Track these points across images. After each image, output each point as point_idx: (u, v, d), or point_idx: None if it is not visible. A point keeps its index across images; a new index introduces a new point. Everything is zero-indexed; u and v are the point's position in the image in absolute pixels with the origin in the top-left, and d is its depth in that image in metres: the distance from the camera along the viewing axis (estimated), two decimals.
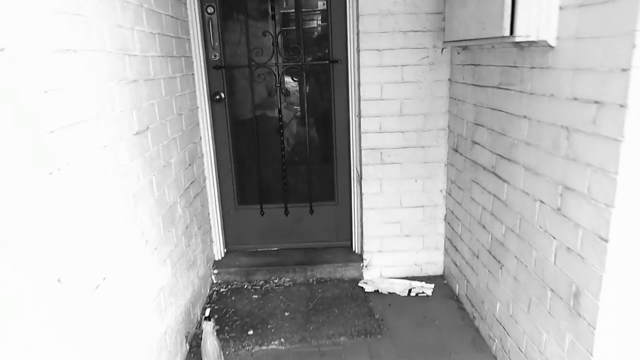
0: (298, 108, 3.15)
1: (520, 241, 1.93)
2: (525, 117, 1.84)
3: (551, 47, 1.61)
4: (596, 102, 1.39)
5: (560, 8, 1.55)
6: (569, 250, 1.57)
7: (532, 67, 1.76)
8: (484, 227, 2.31)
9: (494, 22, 1.69)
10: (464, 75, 2.49)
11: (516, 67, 1.89)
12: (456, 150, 2.69)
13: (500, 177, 2.10)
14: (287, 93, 3.08)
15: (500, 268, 2.13)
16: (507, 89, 1.99)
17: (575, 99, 1.50)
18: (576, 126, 1.50)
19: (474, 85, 2.37)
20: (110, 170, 1.58)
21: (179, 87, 2.47)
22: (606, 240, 1.37)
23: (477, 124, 2.35)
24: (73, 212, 1.33)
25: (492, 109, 2.16)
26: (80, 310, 1.34)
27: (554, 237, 1.67)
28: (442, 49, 2.67)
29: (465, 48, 2.42)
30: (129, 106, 1.77)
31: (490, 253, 2.24)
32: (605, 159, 1.37)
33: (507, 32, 1.62)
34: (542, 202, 1.74)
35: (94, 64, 1.49)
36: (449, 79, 2.74)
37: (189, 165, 2.63)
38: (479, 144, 2.34)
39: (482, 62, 2.23)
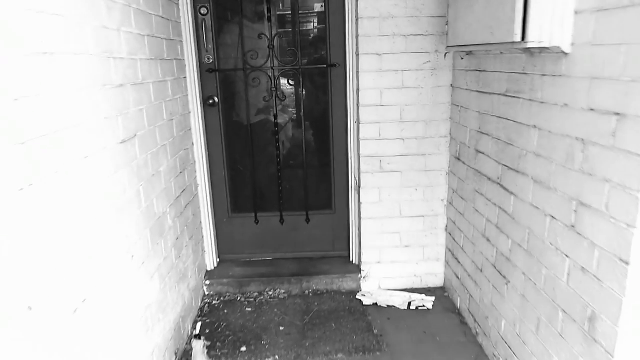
0: (294, 113, 3.05)
1: (528, 257, 1.83)
2: (535, 127, 1.74)
3: (565, 53, 1.51)
4: (617, 113, 1.29)
5: (576, 12, 1.46)
6: (584, 271, 1.47)
7: (544, 75, 1.66)
8: (488, 240, 2.21)
9: (504, 27, 1.60)
10: (468, 81, 2.39)
11: (525, 74, 1.79)
12: (458, 159, 2.59)
13: (506, 189, 2.00)
14: (283, 97, 2.97)
15: (506, 284, 2.03)
16: (515, 97, 1.89)
17: (592, 109, 1.40)
18: (593, 139, 1.41)
19: (478, 92, 2.27)
20: (91, 182, 1.46)
21: (170, 91, 2.36)
22: (627, 263, 1.27)
23: (482, 133, 2.25)
24: (47, 232, 1.21)
25: (498, 117, 2.06)
26: (56, 338, 1.22)
27: (566, 256, 1.57)
28: (445, 54, 2.57)
29: (469, 53, 2.32)
30: (115, 113, 1.66)
31: (495, 267, 2.14)
32: (626, 175, 1.27)
33: (518, 38, 1.52)
34: (553, 217, 1.64)
35: (74, 68, 1.38)
36: (451, 85, 2.64)
37: (180, 172, 2.51)
38: (483, 153, 2.24)
39: (488, 68, 2.13)
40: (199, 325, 2.59)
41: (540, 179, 1.72)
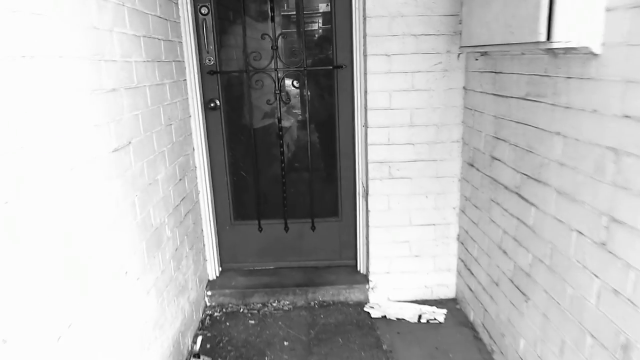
0: (299, 116, 2.93)
1: (551, 274, 1.70)
2: (558, 133, 1.61)
3: (595, 54, 1.38)
4: None
5: (607, 10, 1.33)
6: (617, 294, 1.34)
7: (569, 77, 1.53)
8: (505, 252, 2.08)
9: (526, 26, 1.47)
10: (483, 83, 2.26)
11: (548, 76, 1.66)
12: (472, 165, 2.45)
13: (526, 200, 1.87)
14: (287, 100, 2.85)
15: (526, 301, 1.90)
16: (535, 101, 1.75)
17: (627, 116, 1.27)
18: (627, 148, 1.27)
19: (494, 95, 2.14)
20: (79, 196, 1.35)
21: (168, 94, 2.25)
22: None
23: (498, 138, 2.11)
24: (25, 253, 1.10)
25: (516, 122, 1.93)
26: None
27: (595, 276, 1.43)
28: (458, 55, 2.44)
29: (484, 54, 2.19)
30: (106, 119, 1.55)
31: (513, 282, 2.01)
32: None
33: (543, 37, 1.39)
34: (580, 233, 1.51)
35: (58, 72, 1.27)
36: (464, 87, 2.51)
37: (180, 179, 2.40)
38: (499, 160, 2.11)
39: (505, 69, 2.00)
40: (199, 339, 2.48)
41: (565, 190, 1.58)
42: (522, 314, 1.94)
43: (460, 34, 2.18)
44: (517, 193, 1.94)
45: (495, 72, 2.11)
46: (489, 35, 1.80)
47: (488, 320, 2.31)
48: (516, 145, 1.94)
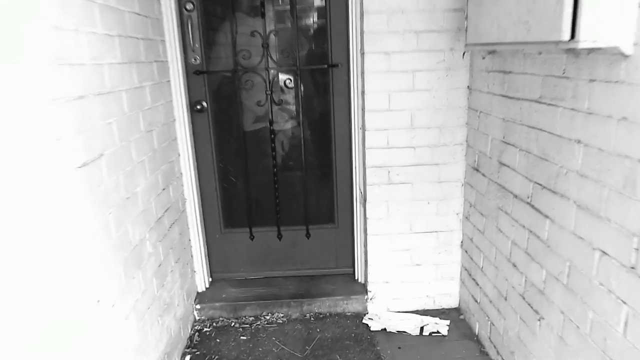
0: (292, 118, 2.75)
1: (569, 295, 1.55)
2: (579, 142, 1.45)
3: (625, 55, 1.22)
4: None
5: None
6: None
7: (592, 80, 1.36)
8: (515, 266, 1.93)
9: (546, 23, 1.30)
10: (490, 83, 2.09)
11: (567, 78, 1.49)
12: (477, 170, 2.29)
13: (539, 211, 1.71)
14: (279, 102, 2.67)
15: (539, 320, 1.75)
16: (552, 105, 1.59)
17: None
18: None
19: (502, 96, 1.97)
20: (35, 222, 1.18)
21: (149, 98, 2.07)
22: None
23: (507, 143, 1.95)
24: None
25: (528, 126, 1.77)
26: None
27: (623, 302, 1.28)
28: (464, 53, 2.27)
29: (492, 52, 2.02)
30: (71, 131, 1.37)
31: (524, 299, 1.86)
32: None
33: (566, 36, 1.22)
34: (604, 253, 1.35)
35: (6, 82, 1.09)
36: (469, 87, 2.35)
37: (164, 189, 2.22)
38: (508, 166, 1.95)
39: (516, 69, 1.84)
40: (187, 359, 2.32)
41: (586, 204, 1.43)
42: (535, 334, 1.79)
43: (466, 30, 2.01)
44: (529, 203, 1.79)
45: (504, 72, 1.95)
46: (500, 33, 1.63)
47: (495, 335, 2.17)
48: (528, 152, 1.78)
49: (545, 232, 1.67)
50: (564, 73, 1.51)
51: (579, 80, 1.42)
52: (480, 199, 2.26)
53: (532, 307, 1.80)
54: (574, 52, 1.42)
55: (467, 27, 1.98)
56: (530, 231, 1.78)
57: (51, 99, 1.26)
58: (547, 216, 1.66)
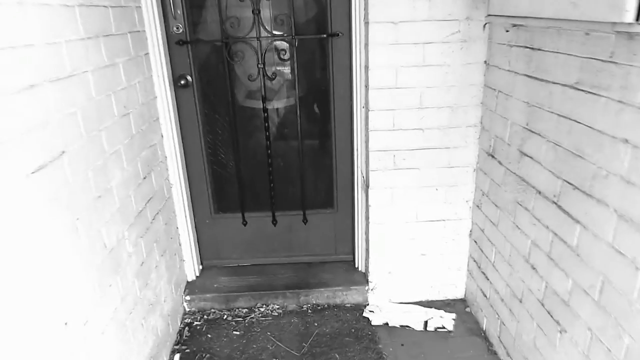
0: (287, 94, 2.49)
1: (600, 312, 1.37)
2: (626, 141, 1.22)
3: None
4: None
5: None
6: None
7: None
8: (534, 268, 1.74)
9: (602, 1, 1.04)
10: (512, 60, 1.84)
11: (614, 63, 1.25)
12: (492, 156, 2.07)
13: (568, 214, 1.50)
14: (272, 76, 2.40)
15: (560, 332, 1.58)
16: (592, 93, 1.35)
17: None
18: None
19: (527, 76, 1.73)
20: None
21: (122, 76, 1.80)
22: None
23: (530, 131, 1.73)
24: None
25: (559, 115, 1.53)
26: None
27: None
28: (485, 24, 2.00)
29: (518, 25, 1.75)
30: (19, 130, 1.13)
31: (543, 305, 1.68)
32: None
33: (630, 17, 0.98)
34: None
35: None
36: (486, 62, 2.09)
37: (144, 178, 2.00)
38: (531, 157, 1.73)
39: (546, 46, 1.58)
40: (177, 357, 2.17)
41: (631, 216, 1.22)
42: (554, 345, 1.63)
43: None
44: (555, 203, 1.58)
45: (531, 48, 1.69)
46: (534, 5, 1.37)
47: (506, 336, 2.02)
48: (557, 144, 1.55)
49: (575, 239, 1.47)
50: (611, 57, 1.26)
51: (632, 67, 1.18)
52: (495, 189, 2.05)
53: (552, 317, 1.62)
54: (628, 34, 1.17)
55: None
56: (555, 234, 1.58)
57: None
58: (577, 221, 1.46)
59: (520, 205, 1.83)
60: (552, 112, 1.57)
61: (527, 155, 1.76)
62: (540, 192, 1.68)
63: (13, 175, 1.09)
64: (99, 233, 1.53)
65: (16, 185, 1.10)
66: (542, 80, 1.63)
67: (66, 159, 1.34)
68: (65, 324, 1.29)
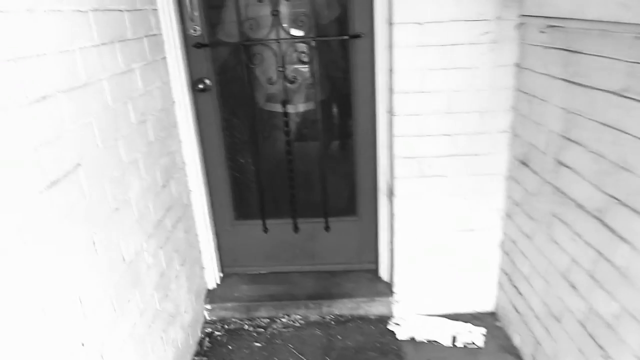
0: (308, 98, 2.41)
1: None
2: None
3: None
4: None
5: None
6: None
7: None
8: (573, 287, 1.63)
9: None
10: (548, 63, 1.72)
11: None
12: (525, 164, 1.96)
13: (613, 231, 1.39)
14: (293, 79, 2.33)
15: (604, 358, 1.47)
16: None
17: None
18: None
19: (565, 81, 1.61)
20: None
21: (139, 82, 1.76)
22: None
23: (569, 139, 1.61)
24: None
25: (602, 124, 1.42)
26: None
27: None
28: (519, 24, 1.88)
29: (554, 25, 1.63)
30: (31, 145, 1.08)
31: (585, 328, 1.57)
32: None
33: None
34: None
35: None
36: (518, 65, 1.97)
37: (163, 186, 1.95)
38: (570, 168, 1.61)
39: (587, 49, 1.46)
40: None
41: None
42: None
43: None
44: (597, 218, 1.46)
45: (569, 51, 1.57)
46: (577, 6, 1.26)
47: (542, 356, 1.90)
48: (600, 155, 1.43)
49: (621, 258, 1.36)
50: None
51: None
52: (529, 199, 1.94)
53: (595, 341, 1.51)
54: None
55: None
56: (599, 252, 1.47)
57: None
58: (624, 239, 1.34)
59: (557, 217, 1.71)
60: (594, 121, 1.46)
61: (565, 165, 1.64)
62: (580, 206, 1.56)
63: (25, 193, 1.04)
64: (117, 246, 1.49)
65: (29, 203, 1.05)
66: (582, 85, 1.51)
67: (82, 172, 1.29)
68: (82, 344, 1.24)
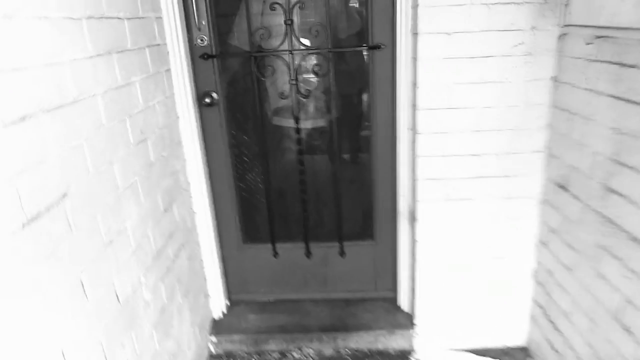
0: (322, 113, 2.25)
1: None
2: None
3: None
4: None
5: None
6: None
7: None
8: (628, 331, 1.43)
9: None
10: (592, 77, 1.54)
11: None
12: (564, 188, 1.77)
13: None
14: (306, 93, 2.16)
15: None
16: None
17: None
18: None
19: (615, 97, 1.43)
20: None
21: (139, 97, 1.59)
22: None
23: (620, 164, 1.42)
24: None
25: None
26: None
27: None
28: (561, 35, 1.71)
29: (601, 36, 1.46)
30: (9, 172, 0.91)
31: None
32: None
33: None
34: None
35: None
36: (554, 79, 1.79)
37: (165, 210, 1.78)
38: (622, 195, 1.42)
39: None
40: None
41: None
42: None
43: (566, 4, 1.44)
44: None
45: (620, 65, 1.39)
46: (634, 12, 1.08)
47: None
48: None
49: None
50: None
51: None
52: (569, 227, 1.75)
53: None
54: None
55: (569, 0, 1.41)
56: None
57: None
58: None
59: (606, 251, 1.52)
60: None
61: (617, 193, 1.45)
62: (635, 239, 1.37)
63: (9, 226, 0.87)
64: (110, 285, 1.31)
65: (5, 241, 0.88)
66: (635, 102, 1.33)
67: (68, 203, 1.12)
68: None
